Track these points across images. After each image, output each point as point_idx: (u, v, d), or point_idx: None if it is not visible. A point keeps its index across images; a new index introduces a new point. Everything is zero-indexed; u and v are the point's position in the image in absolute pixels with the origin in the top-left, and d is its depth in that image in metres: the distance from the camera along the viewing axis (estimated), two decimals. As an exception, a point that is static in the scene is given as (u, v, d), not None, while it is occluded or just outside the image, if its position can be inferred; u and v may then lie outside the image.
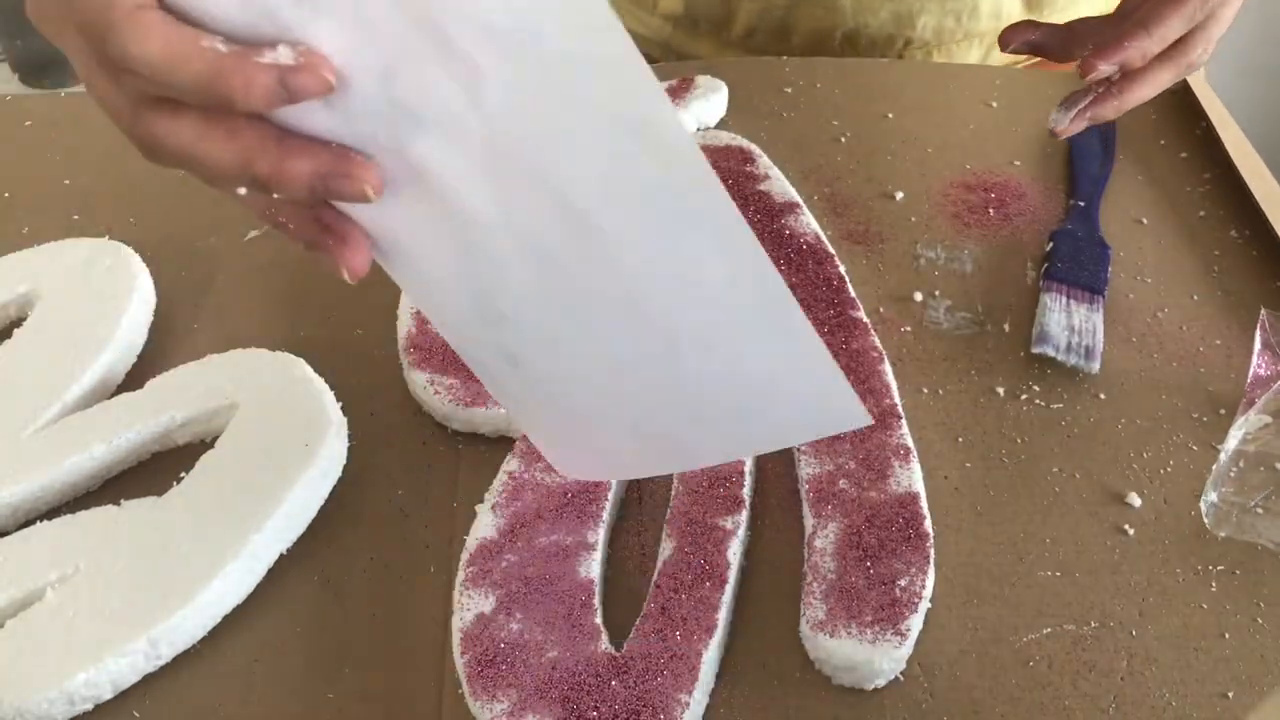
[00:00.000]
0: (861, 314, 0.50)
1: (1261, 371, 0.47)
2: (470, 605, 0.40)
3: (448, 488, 0.46)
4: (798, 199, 0.55)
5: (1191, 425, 0.48)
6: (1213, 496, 0.45)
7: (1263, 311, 0.49)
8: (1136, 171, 0.60)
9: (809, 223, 0.54)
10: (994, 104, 0.63)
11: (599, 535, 0.43)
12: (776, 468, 0.46)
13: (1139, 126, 0.62)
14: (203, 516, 0.42)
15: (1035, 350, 0.50)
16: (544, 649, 0.39)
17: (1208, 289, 0.53)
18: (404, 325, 0.50)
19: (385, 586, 0.43)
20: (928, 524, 0.43)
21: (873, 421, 0.34)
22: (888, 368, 0.48)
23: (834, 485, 0.44)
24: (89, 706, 0.39)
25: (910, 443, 0.45)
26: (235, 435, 0.45)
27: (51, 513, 0.44)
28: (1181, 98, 0.63)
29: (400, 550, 0.44)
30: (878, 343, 0.49)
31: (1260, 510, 0.44)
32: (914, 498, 0.43)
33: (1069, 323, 0.51)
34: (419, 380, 0.48)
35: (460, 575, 0.41)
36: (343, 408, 0.46)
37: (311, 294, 0.54)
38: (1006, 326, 0.51)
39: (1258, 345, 0.48)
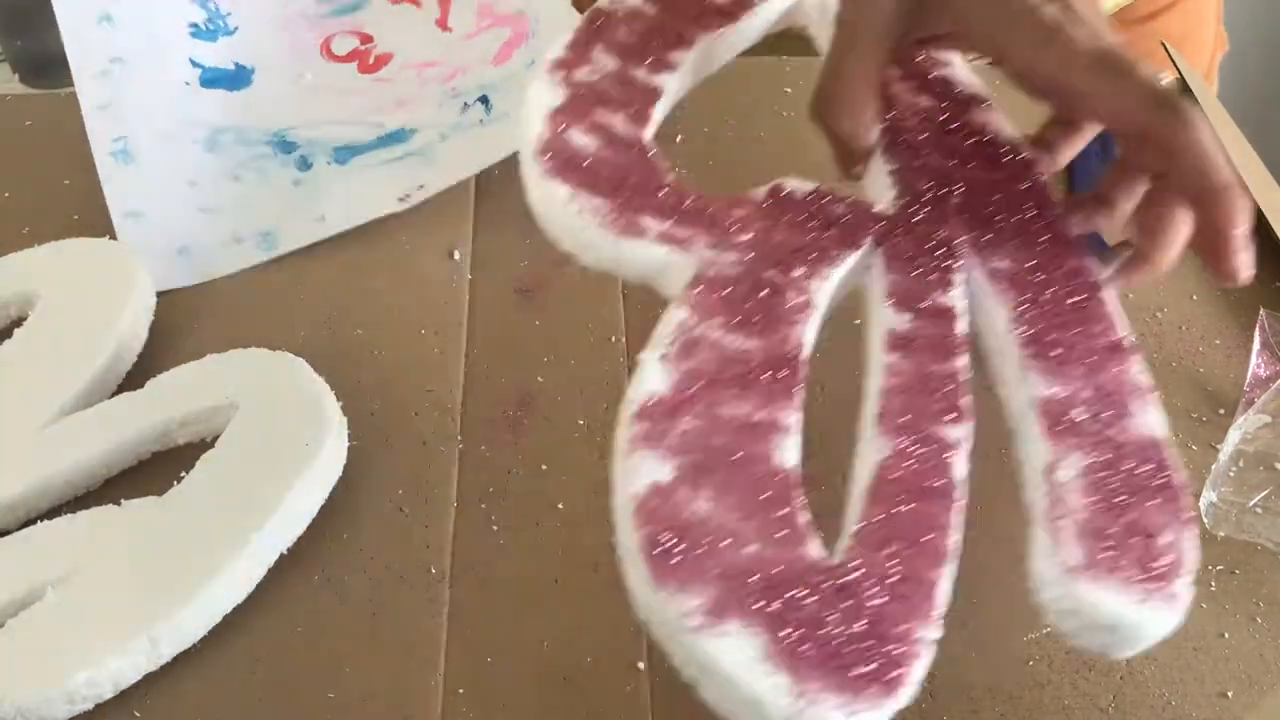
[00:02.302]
0: (1076, 229, 0.43)
1: (1260, 371, 0.47)
2: (643, 470, 0.34)
3: (448, 488, 0.46)
4: (985, 92, 0.47)
5: (1190, 425, 0.48)
6: (1212, 496, 0.45)
7: (1262, 312, 0.49)
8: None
9: (1002, 119, 0.46)
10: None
11: (794, 418, 0.36)
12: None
13: (1138, 127, 0.62)
14: (203, 516, 0.42)
15: (1035, 350, 0.50)
16: (741, 541, 0.32)
17: (1207, 289, 0.54)
18: (533, 126, 0.42)
19: (385, 586, 0.43)
20: (1179, 476, 0.36)
21: None
22: (1109, 294, 0.41)
23: (1069, 412, 0.38)
24: (89, 706, 0.39)
25: (1148, 379, 0.39)
26: (235, 435, 0.44)
27: (52, 512, 0.44)
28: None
29: (400, 550, 0.44)
30: (1098, 265, 0.42)
31: (1259, 510, 0.44)
32: (1159, 444, 0.37)
33: (1069, 323, 0.50)
34: (558, 195, 0.40)
35: (627, 431, 0.35)
36: (343, 407, 0.46)
37: (311, 294, 0.54)
38: (1006, 326, 0.51)
39: (1257, 345, 0.48)
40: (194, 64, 0.59)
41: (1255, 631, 0.42)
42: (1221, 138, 0.58)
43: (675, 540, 0.32)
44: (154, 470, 0.46)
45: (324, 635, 0.42)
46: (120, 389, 0.48)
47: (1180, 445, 0.47)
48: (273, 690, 0.40)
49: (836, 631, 0.31)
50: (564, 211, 0.40)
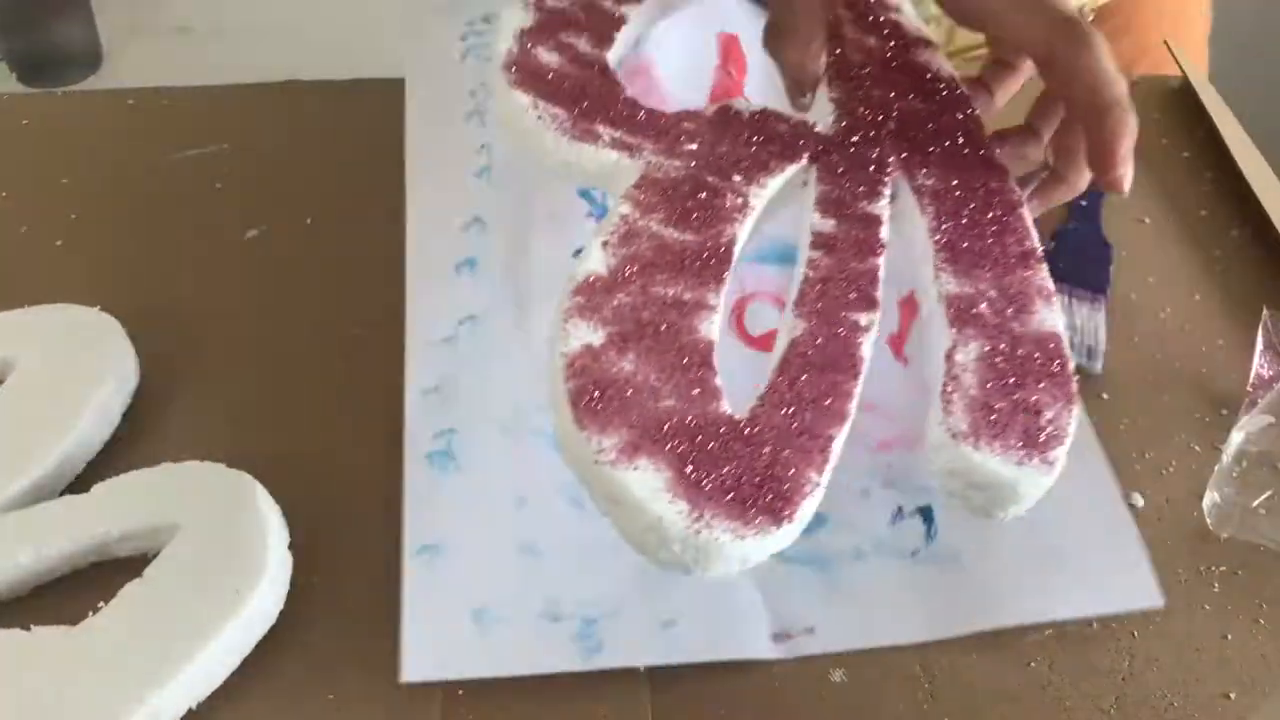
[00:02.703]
0: (1000, 159, 0.47)
1: (1264, 371, 0.47)
2: (576, 334, 0.38)
3: (447, 488, 0.46)
4: (931, 37, 0.51)
5: (1194, 425, 0.48)
6: (1215, 497, 0.45)
7: (1265, 311, 0.49)
8: (1138, 171, 0.59)
9: (944, 61, 0.50)
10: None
11: (720, 299, 0.40)
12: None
13: (1141, 125, 0.62)
14: (108, 660, 0.38)
15: (1037, 350, 0.50)
16: (659, 396, 0.36)
17: (1210, 289, 0.53)
18: (504, 44, 0.46)
19: (386, 586, 0.43)
20: (1071, 365, 0.41)
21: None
22: (1026, 211, 0.45)
23: (974, 308, 0.42)
24: None
25: (1052, 286, 0.43)
26: (166, 564, 0.41)
27: None
28: (1184, 96, 0.63)
29: (399, 550, 0.44)
30: (1015, 186, 0.46)
31: (1263, 511, 0.44)
32: (1057, 338, 0.41)
33: (1071, 322, 0.50)
34: (519, 102, 0.44)
35: (565, 304, 0.39)
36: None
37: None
38: (1008, 326, 0.51)
39: (1260, 345, 0.48)
40: None
41: (1258, 633, 0.41)
42: (1223, 134, 0.58)
43: (599, 391, 0.36)
44: (91, 581, 0.43)
45: (324, 635, 0.41)
46: (79, 477, 0.46)
47: (1183, 445, 0.47)
48: (273, 691, 0.40)
49: (735, 471, 0.35)
50: (526, 118, 0.44)
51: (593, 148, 0.43)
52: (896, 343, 0.47)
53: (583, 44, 0.47)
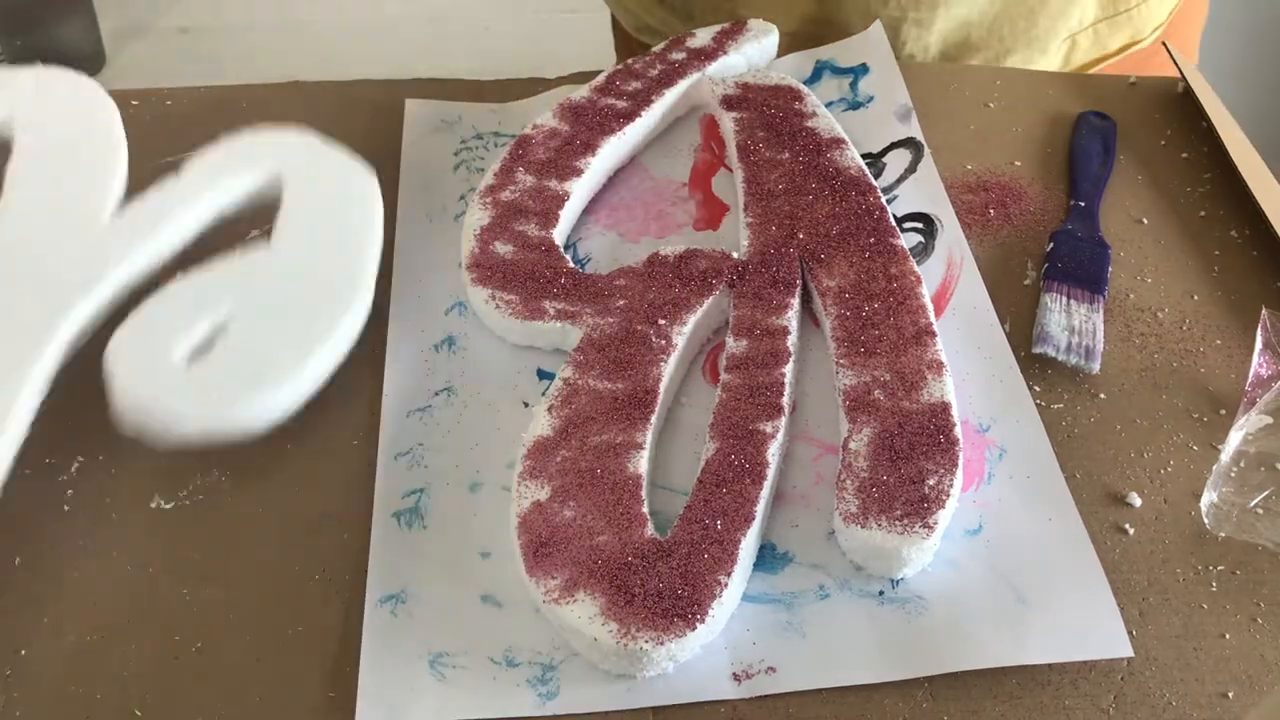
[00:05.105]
0: (900, 241, 0.52)
1: (1262, 371, 0.47)
2: (527, 494, 0.43)
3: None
4: (843, 135, 0.57)
5: (1192, 425, 0.48)
6: (1213, 496, 0.45)
7: (1263, 311, 0.49)
8: (1136, 171, 0.60)
9: (853, 156, 0.56)
10: (994, 104, 0.63)
11: (647, 436, 0.45)
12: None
13: (1139, 126, 0.62)
14: (310, 266, 0.48)
15: (1035, 350, 0.50)
16: (594, 534, 0.42)
17: (1208, 289, 0.53)
18: (467, 245, 0.52)
19: (385, 586, 0.43)
20: (957, 430, 0.44)
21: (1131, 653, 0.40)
22: (925, 290, 0.50)
23: (869, 395, 0.46)
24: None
25: (943, 358, 0.47)
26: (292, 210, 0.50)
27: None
28: (1182, 97, 0.63)
29: (400, 550, 0.44)
30: (915, 268, 0.51)
31: (1260, 510, 0.44)
32: (945, 407, 0.45)
33: (1069, 323, 0.51)
34: (480, 296, 0.50)
35: (518, 468, 0.44)
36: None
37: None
38: (1006, 327, 0.51)
39: (1258, 345, 0.48)
40: (540, 375, 0.50)
41: (1256, 632, 0.42)
42: (1222, 136, 0.59)
43: (544, 541, 0.42)
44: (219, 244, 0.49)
45: (324, 634, 0.42)
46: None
47: (1181, 445, 0.47)
48: (274, 690, 0.40)
49: (656, 588, 0.40)
50: (486, 308, 0.50)
51: (542, 323, 0.49)
52: None
53: (532, 229, 0.53)
